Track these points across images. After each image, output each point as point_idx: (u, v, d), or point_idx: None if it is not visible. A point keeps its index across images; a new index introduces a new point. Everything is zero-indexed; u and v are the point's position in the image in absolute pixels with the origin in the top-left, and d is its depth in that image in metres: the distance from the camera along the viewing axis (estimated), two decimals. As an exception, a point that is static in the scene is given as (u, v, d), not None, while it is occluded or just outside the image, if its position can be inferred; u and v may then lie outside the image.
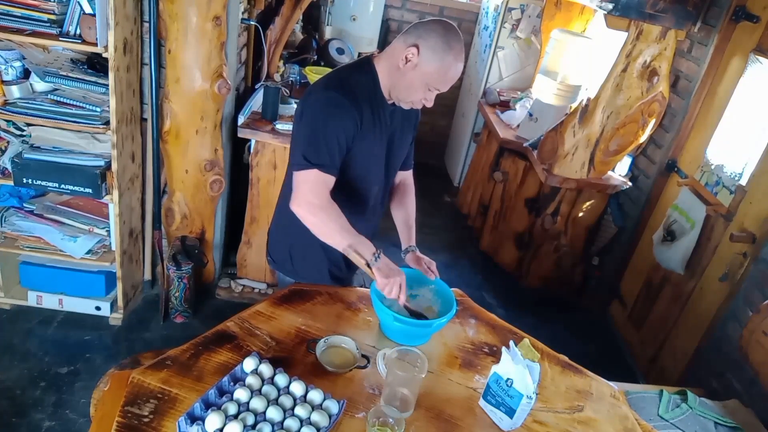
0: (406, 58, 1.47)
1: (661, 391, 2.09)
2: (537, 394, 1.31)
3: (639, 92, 2.78)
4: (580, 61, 3.47)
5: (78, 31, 2.11)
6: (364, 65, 1.57)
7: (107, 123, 2.24)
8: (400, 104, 1.58)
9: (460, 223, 4.10)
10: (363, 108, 1.51)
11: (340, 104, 1.48)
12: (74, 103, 2.23)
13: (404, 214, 1.82)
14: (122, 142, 2.33)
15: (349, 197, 1.63)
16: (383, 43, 4.39)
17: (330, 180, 1.50)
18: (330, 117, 1.49)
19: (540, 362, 1.35)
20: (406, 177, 1.87)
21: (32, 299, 2.60)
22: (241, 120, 2.65)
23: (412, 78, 1.49)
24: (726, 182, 2.53)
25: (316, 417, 1.20)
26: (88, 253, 2.48)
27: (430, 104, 1.56)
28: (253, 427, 1.16)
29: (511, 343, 1.34)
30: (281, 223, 1.77)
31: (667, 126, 2.91)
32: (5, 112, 2.21)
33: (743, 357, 2.11)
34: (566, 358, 1.61)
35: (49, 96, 2.26)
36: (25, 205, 2.52)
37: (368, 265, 1.48)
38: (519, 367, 1.27)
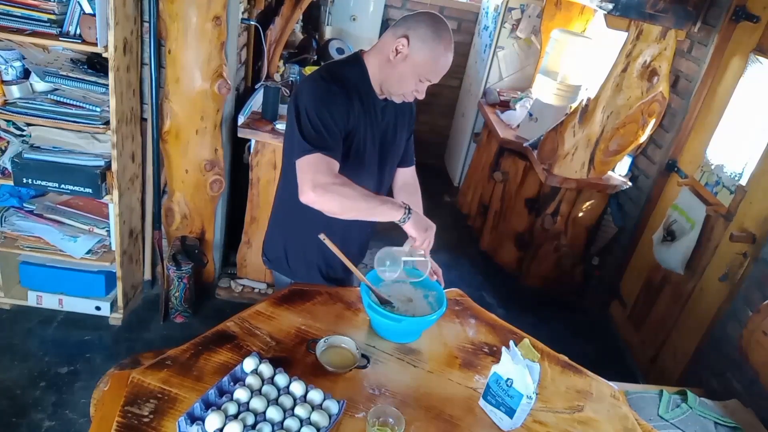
0: (396, 49, 1.47)
1: (661, 391, 2.09)
2: (537, 394, 1.31)
3: (639, 92, 2.78)
4: (580, 61, 3.47)
5: (78, 31, 2.11)
6: (353, 60, 1.58)
7: (107, 123, 2.24)
8: (391, 98, 1.58)
9: (460, 223, 4.10)
10: (353, 99, 1.51)
11: (332, 92, 1.48)
12: (74, 103, 2.23)
13: None
14: (122, 142, 2.33)
15: None
16: (383, 43, 4.39)
17: (334, 164, 1.45)
18: (324, 104, 1.47)
19: (540, 362, 1.35)
20: (409, 175, 1.85)
21: (32, 299, 2.60)
22: (241, 120, 2.65)
23: (403, 69, 1.49)
24: (726, 182, 2.53)
25: (316, 417, 1.20)
26: (88, 253, 2.48)
27: (421, 96, 1.56)
28: (253, 427, 1.16)
29: (511, 343, 1.34)
30: (277, 221, 1.76)
31: (667, 126, 2.91)
32: (5, 112, 2.21)
33: (743, 357, 2.10)
34: (566, 358, 1.61)
35: (49, 96, 2.26)
36: (25, 205, 2.52)
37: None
38: (519, 367, 1.27)
